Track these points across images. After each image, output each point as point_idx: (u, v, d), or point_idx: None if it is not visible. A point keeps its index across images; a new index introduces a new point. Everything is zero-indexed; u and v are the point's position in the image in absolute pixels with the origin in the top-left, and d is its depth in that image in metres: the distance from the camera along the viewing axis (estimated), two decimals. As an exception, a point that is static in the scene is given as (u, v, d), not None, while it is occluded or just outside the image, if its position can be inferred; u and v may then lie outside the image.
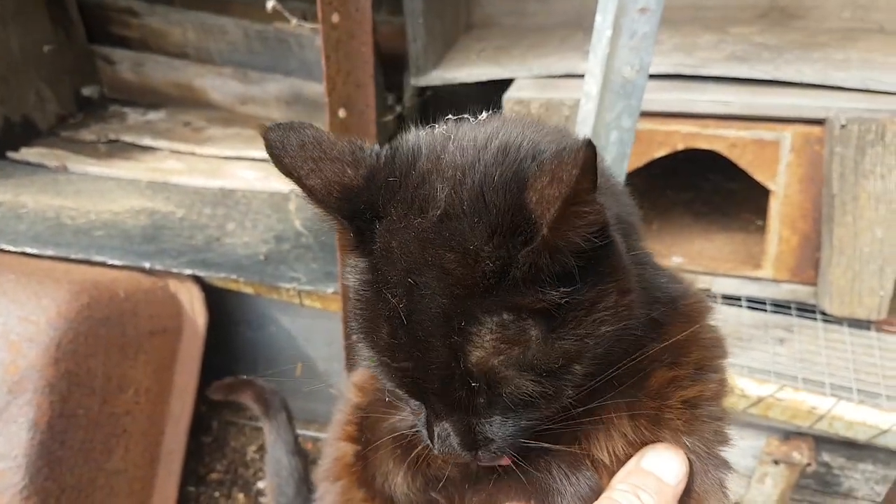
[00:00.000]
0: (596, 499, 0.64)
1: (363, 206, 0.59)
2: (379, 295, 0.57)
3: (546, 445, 0.62)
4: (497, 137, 0.58)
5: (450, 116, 0.66)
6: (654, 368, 0.65)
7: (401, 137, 0.63)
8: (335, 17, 1.44)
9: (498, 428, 0.59)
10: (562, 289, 0.53)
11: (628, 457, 0.65)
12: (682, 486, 0.65)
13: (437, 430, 0.60)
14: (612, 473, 0.65)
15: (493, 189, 0.54)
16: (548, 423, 0.61)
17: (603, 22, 1.25)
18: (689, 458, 0.66)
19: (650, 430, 0.65)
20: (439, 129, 0.63)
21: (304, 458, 1.41)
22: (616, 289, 0.56)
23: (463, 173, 0.56)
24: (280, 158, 0.60)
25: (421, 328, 0.55)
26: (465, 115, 0.66)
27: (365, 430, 0.78)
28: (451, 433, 0.60)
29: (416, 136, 0.62)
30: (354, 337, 0.61)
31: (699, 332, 0.68)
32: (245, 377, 1.47)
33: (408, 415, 0.69)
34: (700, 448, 0.66)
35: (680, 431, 0.66)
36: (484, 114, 0.66)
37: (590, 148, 0.46)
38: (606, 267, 0.56)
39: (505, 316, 0.54)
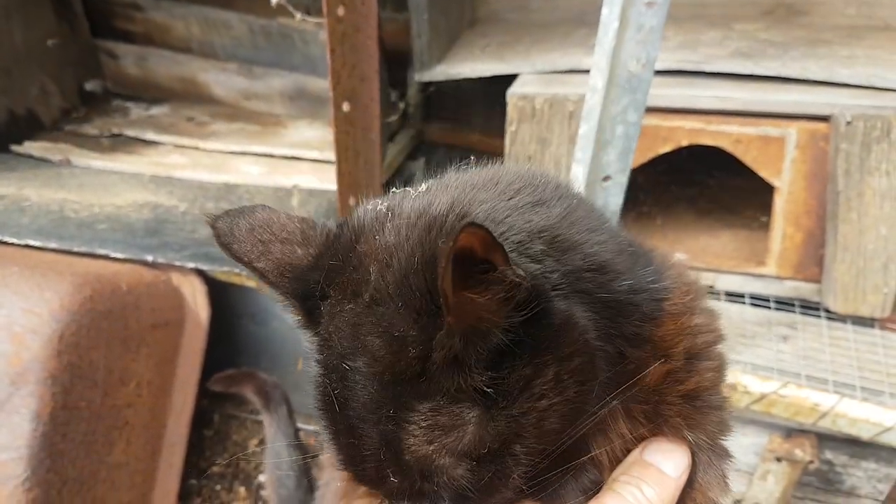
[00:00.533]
0: (597, 490, 0.63)
1: (313, 286, 0.59)
2: (323, 378, 0.57)
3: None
4: (427, 212, 0.56)
5: (394, 189, 0.64)
6: (648, 366, 0.63)
7: (351, 214, 0.62)
8: (340, 10, 1.44)
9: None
10: (489, 373, 0.51)
11: (624, 452, 0.65)
12: (684, 479, 0.64)
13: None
14: (611, 471, 0.65)
15: (414, 272, 0.51)
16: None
17: (609, 15, 1.25)
18: (691, 451, 0.65)
19: (649, 430, 0.64)
20: (383, 204, 0.60)
21: (305, 452, 1.41)
22: (554, 360, 0.53)
23: (390, 255, 0.54)
24: (229, 245, 0.61)
25: (355, 415, 0.54)
26: (408, 188, 0.63)
27: None
28: None
29: (363, 214, 0.60)
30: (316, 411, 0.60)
31: (684, 322, 0.66)
32: (246, 369, 1.47)
33: None
34: (703, 440, 0.66)
35: (681, 427, 0.64)
36: (424, 185, 0.63)
37: (470, 231, 0.42)
38: (541, 339, 0.52)
39: (437, 401, 0.52)
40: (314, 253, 0.60)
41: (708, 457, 0.67)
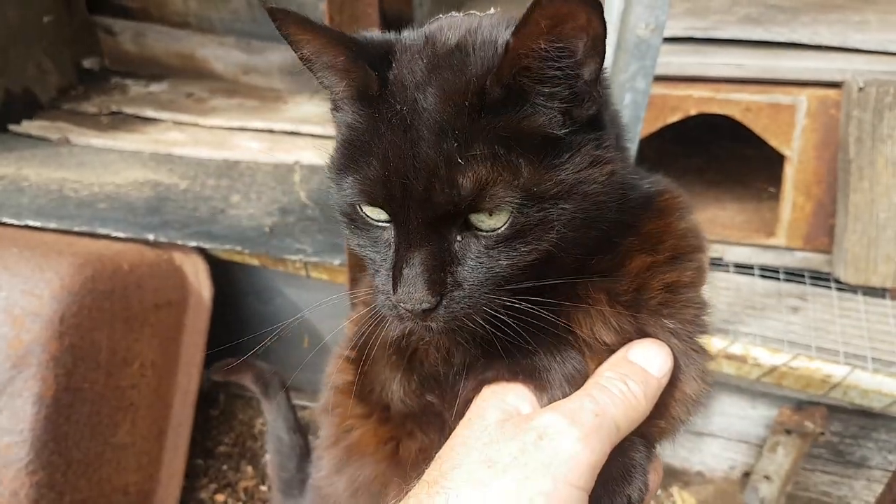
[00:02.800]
0: (581, 379, 0.67)
1: (380, 53, 0.63)
2: (381, 117, 0.61)
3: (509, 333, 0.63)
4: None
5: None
6: (633, 255, 0.68)
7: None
8: (338, -22, 1.39)
9: (469, 272, 0.61)
10: (545, 120, 0.59)
11: (607, 335, 0.68)
12: (665, 380, 0.68)
13: (404, 269, 0.60)
14: (593, 352, 0.69)
15: (504, 35, 0.60)
16: (520, 294, 0.62)
17: (616, -21, 1.21)
18: (671, 343, 0.69)
19: (628, 310, 0.68)
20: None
21: (305, 435, 1.42)
22: (599, 145, 0.62)
23: (479, 27, 0.64)
24: (295, 17, 0.61)
25: (418, 134, 0.58)
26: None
27: (360, 349, 0.79)
28: (418, 267, 0.60)
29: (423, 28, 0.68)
30: (338, 181, 0.64)
31: (672, 223, 0.72)
32: (244, 358, 1.46)
33: (393, 321, 0.70)
34: (682, 330, 0.70)
35: (659, 314, 0.69)
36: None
37: None
38: (595, 128, 0.62)
39: (496, 139, 0.58)
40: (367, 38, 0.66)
41: (686, 348, 0.71)
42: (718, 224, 2.23)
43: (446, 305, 0.61)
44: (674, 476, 2.33)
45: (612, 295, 0.68)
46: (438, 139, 0.58)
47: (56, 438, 1.73)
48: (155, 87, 3.22)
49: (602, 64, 0.60)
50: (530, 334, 0.64)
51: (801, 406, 1.99)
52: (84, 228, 2.11)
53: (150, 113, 2.96)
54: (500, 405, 0.65)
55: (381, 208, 0.62)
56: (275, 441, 1.40)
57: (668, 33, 2.05)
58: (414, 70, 0.61)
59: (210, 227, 2.16)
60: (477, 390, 0.68)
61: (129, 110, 2.99)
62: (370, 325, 0.73)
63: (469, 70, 0.59)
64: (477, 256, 0.61)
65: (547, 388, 0.67)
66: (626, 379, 0.66)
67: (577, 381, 0.67)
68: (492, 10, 0.69)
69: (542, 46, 0.56)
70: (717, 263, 2.19)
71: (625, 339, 0.69)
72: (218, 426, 2.47)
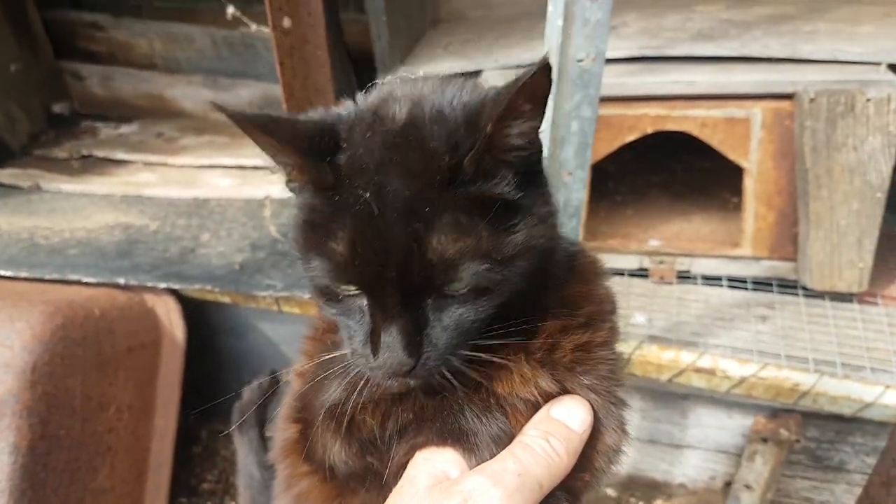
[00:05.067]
0: (507, 439, 0.70)
1: (327, 140, 0.64)
2: (341, 201, 0.62)
3: (483, 360, 0.68)
4: (451, 80, 0.68)
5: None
6: (548, 319, 0.73)
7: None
8: (287, 22, 1.42)
9: (441, 332, 0.64)
10: (506, 187, 0.63)
11: (524, 391, 0.71)
12: (587, 434, 0.72)
13: (383, 337, 0.63)
14: (515, 411, 0.72)
15: (452, 107, 0.64)
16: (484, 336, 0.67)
17: (554, 11, 1.24)
18: (590, 398, 0.73)
19: (542, 368, 0.72)
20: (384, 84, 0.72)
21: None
22: (542, 201, 0.67)
23: (421, 97, 0.66)
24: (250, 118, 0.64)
25: (385, 218, 0.60)
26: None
27: (304, 411, 0.83)
28: (397, 336, 0.63)
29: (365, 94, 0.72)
30: (303, 258, 0.66)
31: (591, 289, 0.76)
32: (265, 379, 1.46)
33: (337, 388, 0.75)
34: (598, 386, 0.74)
35: (574, 372, 0.73)
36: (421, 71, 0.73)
37: (547, 70, 0.57)
38: (536, 184, 0.67)
39: (460, 213, 0.61)
40: (317, 119, 0.68)
41: (605, 402, 0.74)
42: (684, 237, 2.26)
43: (422, 364, 0.64)
44: (657, 489, 2.34)
45: (527, 353, 0.71)
46: (408, 220, 0.60)
47: (34, 487, 1.72)
48: (125, 129, 3.23)
49: (545, 112, 0.65)
50: (458, 396, 0.70)
51: (775, 414, 2.00)
52: (55, 276, 2.11)
53: (120, 155, 2.96)
54: (430, 470, 0.68)
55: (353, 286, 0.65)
56: (246, 477, 1.40)
57: (622, 53, 2.10)
58: (370, 150, 0.63)
59: (180, 268, 2.17)
60: (409, 454, 0.70)
61: (99, 153, 2.99)
62: (311, 388, 0.77)
63: (431, 148, 0.61)
64: (446, 317, 0.65)
65: (475, 451, 0.69)
66: (548, 436, 0.69)
67: (503, 441, 0.69)
68: (421, 72, 0.74)
69: (517, 123, 0.61)
70: (685, 276, 2.21)
71: (543, 395, 0.72)
72: (201, 463, 2.47)
